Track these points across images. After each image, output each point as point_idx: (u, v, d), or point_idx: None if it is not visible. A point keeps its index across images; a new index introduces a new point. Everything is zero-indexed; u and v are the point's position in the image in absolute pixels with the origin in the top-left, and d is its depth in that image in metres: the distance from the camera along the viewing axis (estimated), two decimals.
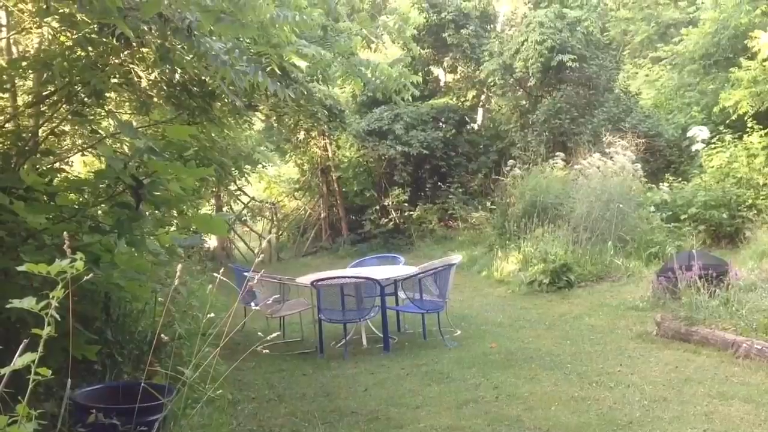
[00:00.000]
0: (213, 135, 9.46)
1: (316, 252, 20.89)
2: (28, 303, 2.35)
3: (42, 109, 6.83)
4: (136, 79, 6.53)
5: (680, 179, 15.66)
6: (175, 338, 4.97)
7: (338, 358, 8.35)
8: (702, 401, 5.74)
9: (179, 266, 3.54)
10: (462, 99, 22.14)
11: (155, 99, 6.72)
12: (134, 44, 5.22)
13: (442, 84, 22.74)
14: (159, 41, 4.73)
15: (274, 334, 3.96)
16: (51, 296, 2.30)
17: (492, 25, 22.12)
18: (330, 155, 21.08)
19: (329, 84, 9.12)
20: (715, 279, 8.04)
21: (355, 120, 19.95)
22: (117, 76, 6.69)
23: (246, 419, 6.01)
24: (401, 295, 9.29)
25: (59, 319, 2.35)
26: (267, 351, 3.79)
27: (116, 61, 6.34)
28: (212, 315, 4.54)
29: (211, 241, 19.96)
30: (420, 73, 21.28)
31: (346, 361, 8.11)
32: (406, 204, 20.71)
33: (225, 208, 20.38)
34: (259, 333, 4.02)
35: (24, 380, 4.40)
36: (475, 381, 6.81)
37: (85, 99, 6.71)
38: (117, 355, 5.39)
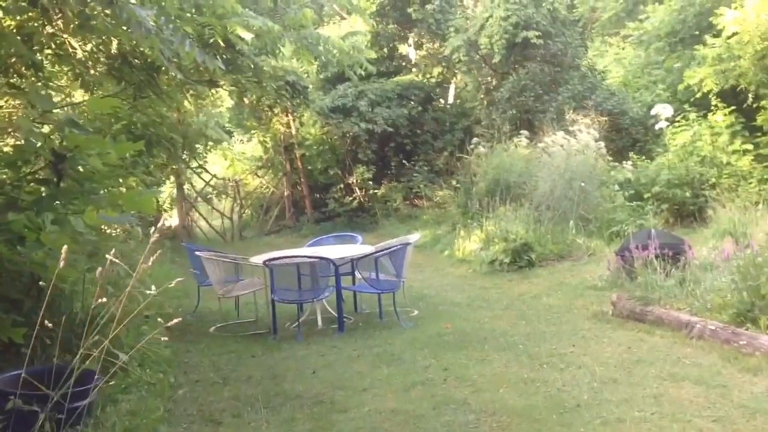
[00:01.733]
0: (164, 110, 9.19)
1: (280, 231, 20.63)
2: None
3: None
4: (70, 50, 6.24)
5: (645, 158, 15.58)
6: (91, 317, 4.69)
7: (291, 339, 8.17)
8: (652, 383, 5.63)
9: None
10: (428, 76, 21.88)
11: (92, 71, 6.42)
12: (50, 11, 4.93)
13: (413, 61, 22.44)
14: (79, 8, 4.47)
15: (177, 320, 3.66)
16: None
17: (459, 1, 21.82)
18: (293, 132, 20.77)
19: (279, 58, 8.85)
20: (671, 258, 7.94)
21: (318, 96, 19.65)
22: (52, 47, 6.41)
23: (186, 403, 5.81)
24: (358, 274, 9.11)
25: None
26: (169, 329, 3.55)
27: (49, 31, 6.06)
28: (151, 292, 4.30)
29: (172, 219, 19.63)
30: (385, 49, 21.15)
31: (299, 343, 7.92)
32: (370, 182, 20.49)
33: (186, 186, 20.02)
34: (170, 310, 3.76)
35: None
36: (425, 363, 6.66)
37: (23, 71, 6.42)
38: (46, 338, 5.14)
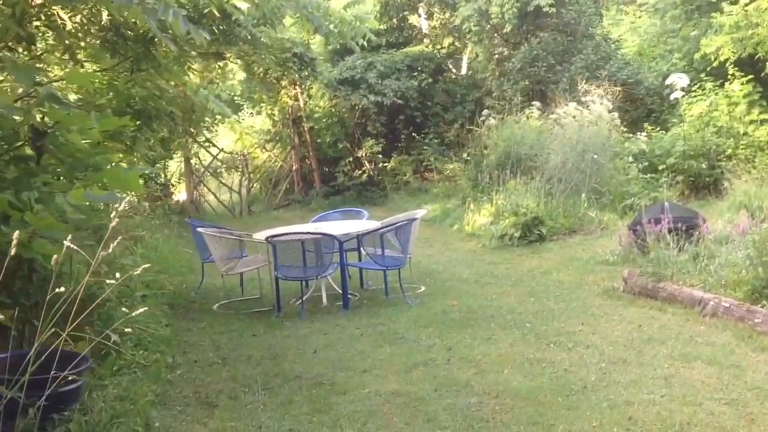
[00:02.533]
0: (170, 83, 8.97)
1: (288, 204, 20.46)
2: None
3: None
4: (59, 21, 6.02)
5: (659, 128, 15.26)
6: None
7: (294, 316, 8.00)
8: (663, 363, 5.43)
9: None
10: (438, 46, 21.52)
11: (81, 44, 6.20)
12: None
13: (424, 31, 22.06)
14: None
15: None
16: None
17: None
18: (301, 105, 20.51)
19: (279, 29, 8.60)
20: (685, 233, 7.69)
21: (326, 68, 19.37)
22: (42, 19, 6.20)
23: (182, 385, 5.66)
24: (363, 251, 8.92)
25: None
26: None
27: (37, 2, 5.84)
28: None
29: (180, 195, 19.49)
30: (394, 19, 20.80)
31: (302, 321, 7.76)
32: (380, 155, 20.24)
33: (193, 161, 19.83)
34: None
35: None
36: (429, 342, 6.48)
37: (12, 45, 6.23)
38: (34, 320, 4.99)
